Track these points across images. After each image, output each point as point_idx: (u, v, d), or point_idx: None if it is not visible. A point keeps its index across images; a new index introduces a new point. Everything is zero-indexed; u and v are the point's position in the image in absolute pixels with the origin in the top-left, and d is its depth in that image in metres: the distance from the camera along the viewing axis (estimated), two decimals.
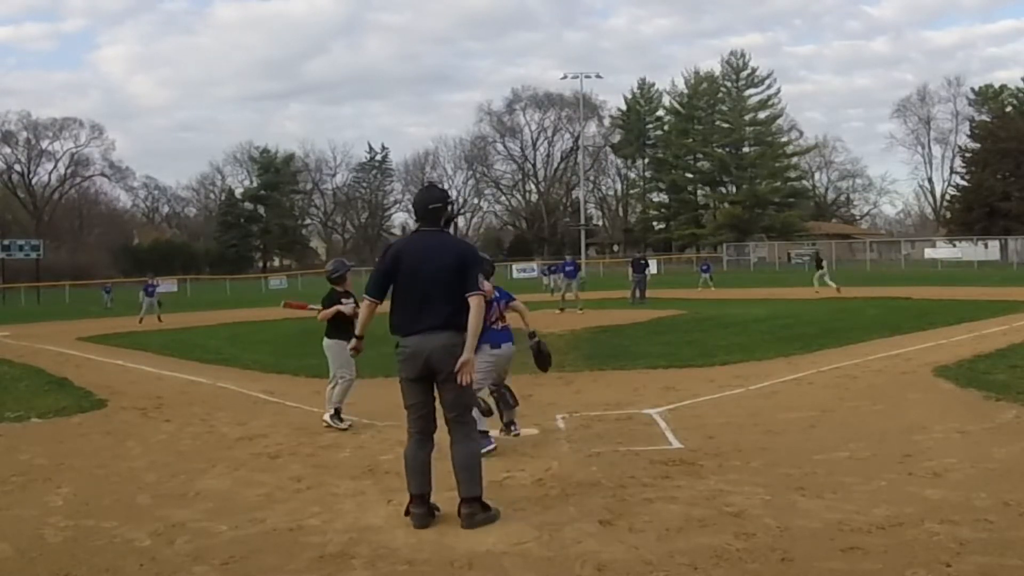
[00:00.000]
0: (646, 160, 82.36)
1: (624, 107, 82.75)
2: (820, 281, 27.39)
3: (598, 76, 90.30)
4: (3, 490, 5.56)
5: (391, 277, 4.58)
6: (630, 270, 27.14)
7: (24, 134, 78.63)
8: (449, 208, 4.73)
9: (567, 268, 25.05)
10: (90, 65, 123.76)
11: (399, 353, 4.58)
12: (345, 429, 7.17)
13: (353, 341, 4.95)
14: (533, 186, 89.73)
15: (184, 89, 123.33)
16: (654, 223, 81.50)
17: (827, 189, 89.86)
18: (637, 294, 25.11)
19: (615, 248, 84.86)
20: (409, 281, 4.53)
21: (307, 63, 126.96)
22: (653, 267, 56.42)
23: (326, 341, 7.46)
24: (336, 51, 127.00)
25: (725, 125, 75.75)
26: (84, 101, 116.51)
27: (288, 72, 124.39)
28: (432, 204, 4.67)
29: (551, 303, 22.89)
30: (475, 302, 4.49)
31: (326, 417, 7.30)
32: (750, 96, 74.62)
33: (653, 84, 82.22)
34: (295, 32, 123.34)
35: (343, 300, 7.44)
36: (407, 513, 4.57)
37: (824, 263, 29.81)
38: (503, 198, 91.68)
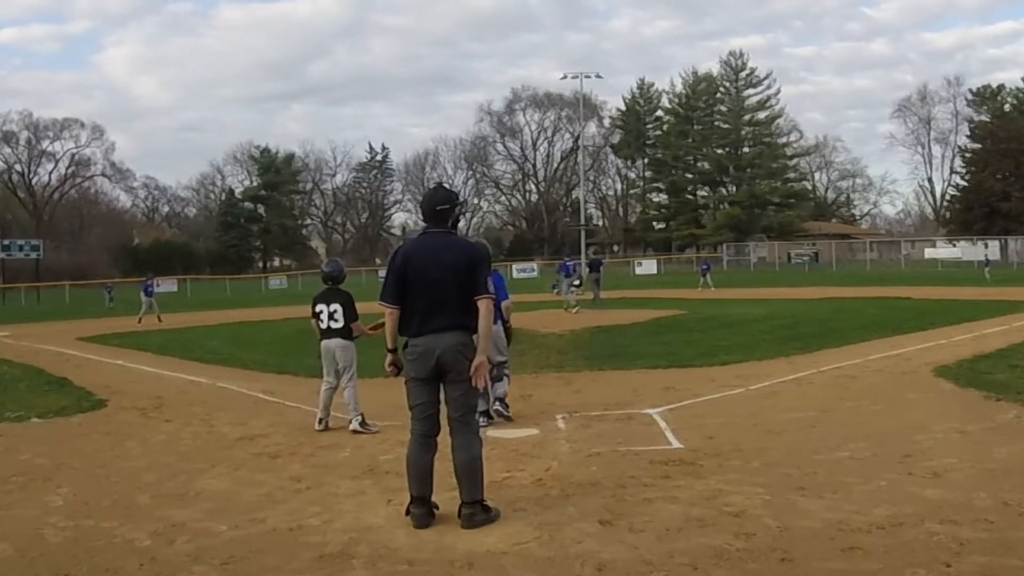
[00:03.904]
0: (646, 160, 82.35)
1: (623, 107, 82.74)
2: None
3: (598, 76, 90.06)
4: (3, 490, 5.56)
5: (404, 281, 4.56)
6: (586, 269, 27.36)
7: (25, 134, 78.78)
8: (456, 209, 4.70)
9: (569, 265, 25.21)
10: (94, 66, 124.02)
11: (408, 353, 4.57)
12: (377, 431, 7.08)
13: (389, 357, 4.69)
14: (533, 186, 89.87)
15: (188, 90, 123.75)
16: (654, 223, 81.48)
17: (827, 189, 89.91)
18: (592, 295, 25.12)
19: (615, 248, 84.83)
20: (418, 282, 4.51)
21: (310, 64, 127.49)
22: (653, 267, 57.03)
23: (346, 342, 7.36)
24: (339, 53, 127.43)
25: (724, 126, 75.78)
26: (88, 102, 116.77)
27: (291, 73, 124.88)
28: (439, 205, 4.65)
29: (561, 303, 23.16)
30: (484, 305, 4.49)
31: (356, 425, 7.14)
32: (749, 96, 74.65)
33: (652, 84, 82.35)
34: (299, 34, 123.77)
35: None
36: (407, 513, 4.57)
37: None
38: (503, 198, 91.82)
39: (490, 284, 4.58)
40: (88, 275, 55.27)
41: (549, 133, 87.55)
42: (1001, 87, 75.39)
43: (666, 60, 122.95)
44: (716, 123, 76.56)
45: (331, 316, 7.32)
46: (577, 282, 24.58)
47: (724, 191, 77.76)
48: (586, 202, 79.70)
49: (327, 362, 7.42)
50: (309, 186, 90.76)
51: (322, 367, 7.50)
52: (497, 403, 7.57)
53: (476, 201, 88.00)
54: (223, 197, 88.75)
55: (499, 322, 7.31)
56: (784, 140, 76.01)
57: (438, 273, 4.49)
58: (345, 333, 7.34)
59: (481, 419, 6.31)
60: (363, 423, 7.18)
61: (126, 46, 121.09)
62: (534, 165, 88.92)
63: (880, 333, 13.29)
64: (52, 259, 57.29)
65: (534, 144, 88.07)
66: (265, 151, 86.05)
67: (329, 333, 7.35)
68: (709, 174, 76.97)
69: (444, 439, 4.61)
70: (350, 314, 7.33)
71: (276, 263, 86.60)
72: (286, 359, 12.64)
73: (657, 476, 5.32)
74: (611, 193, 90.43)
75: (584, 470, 5.56)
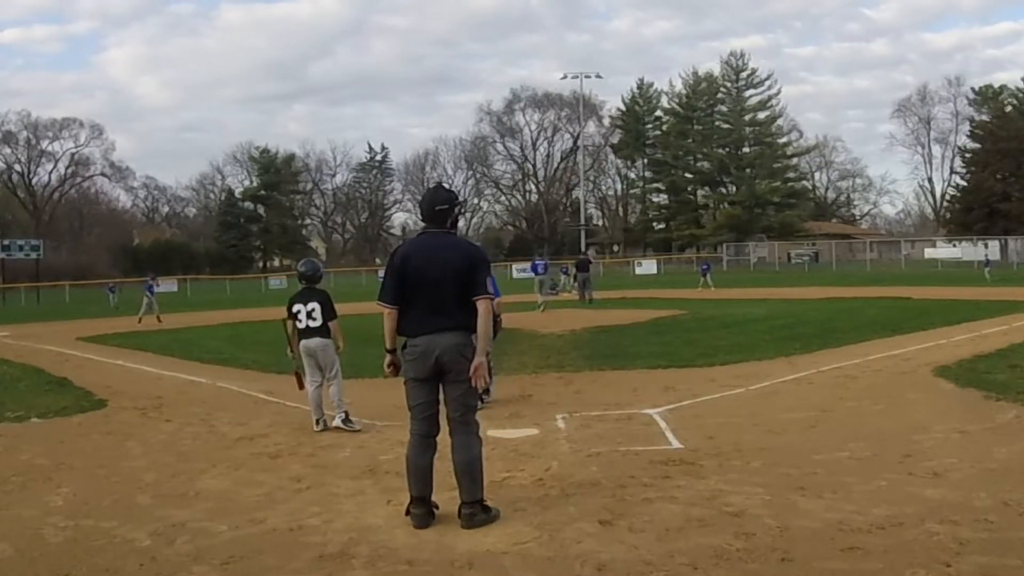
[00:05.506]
0: (646, 160, 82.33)
1: (623, 107, 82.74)
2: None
3: (598, 76, 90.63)
4: (3, 490, 5.56)
5: (404, 281, 4.55)
6: (574, 269, 27.81)
7: (24, 134, 78.67)
8: (456, 209, 4.68)
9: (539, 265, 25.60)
10: (96, 67, 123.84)
11: (408, 353, 4.56)
12: (359, 430, 7.14)
13: (388, 357, 4.69)
14: (533, 186, 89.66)
15: (189, 91, 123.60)
16: (654, 223, 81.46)
17: (827, 189, 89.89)
18: (585, 295, 25.35)
19: (615, 248, 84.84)
20: (417, 282, 4.50)
21: (311, 65, 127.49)
22: (653, 267, 57.11)
23: (325, 341, 7.39)
24: (340, 53, 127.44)
25: (725, 126, 75.69)
26: (89, 102, 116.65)
27: (292, 74, 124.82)
28: (439, 205, 4.63)
29: (572, 302, 23.43)
30: (483, 306, 4.49)
31: (339, 422, 7.20)
32: (750, 97, 74.59)
33: (652, 84, 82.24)
34: (300, 34, 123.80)
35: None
36: (407, 513, 4.57)
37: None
38: (503, 198, 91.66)
39: (489, 285, 4.59)
40: (88, 275, 55.24)
41: (549, 133, 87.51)
42: (1003, 87, 75.36)
43: (666, 60, 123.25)
44: (716, 123, 76.48)
45: (309, 315, 7.32)
46: (552, 284, 24.93)
47: (724, 191, 77.65)
48: (586, 202, 79.81)
49: (308, 361, 7.41)
50: (309, 186, 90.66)
51: (304, 367, 7.49)
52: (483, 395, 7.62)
53: (476, 201, 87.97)
54: (223, 197, 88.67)
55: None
56: (784, 140, 75.98)
57: (437, 273, 4.48)
58: (324, 332, 7.34)
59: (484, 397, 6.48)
60: (346, 420, 7.20)
61: (128, 46, 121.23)
62: (534, 165, 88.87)
63: (880, 333, 13.29)
64: (52, 259, 57.26)
65: (534, 144, 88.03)
66: (265, 151, 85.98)
67: (308, 332, 7.35)
68: (709, 174, 76.87)
69: (444, 439, 4.61)
70: (328, 313, 7.33)
71: (276, 263, 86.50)
72: (286, 359, 12.62)
73: (657, 476, 5.32)
74: (611, 193, 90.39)
75: (584, 470, 5.56)
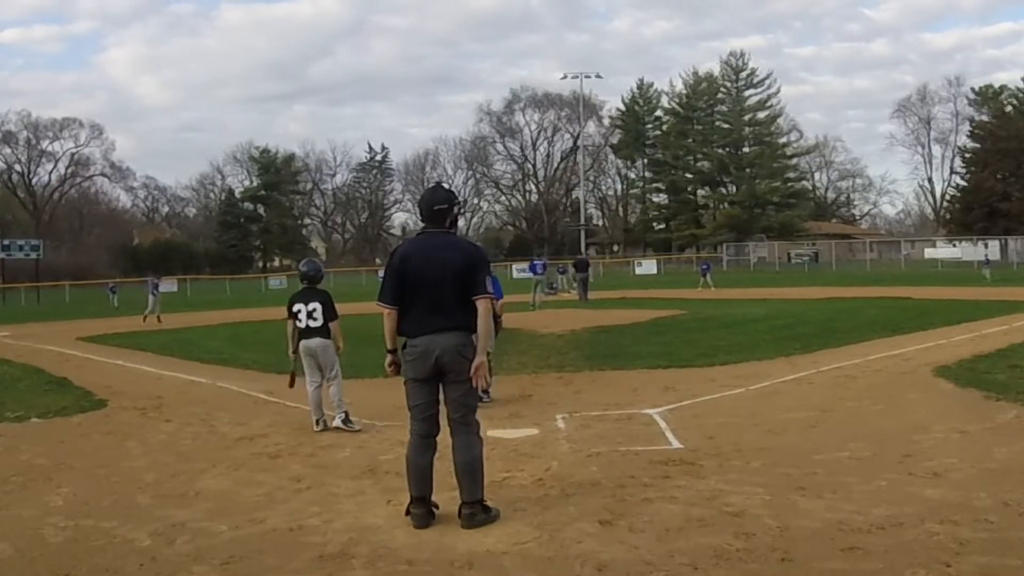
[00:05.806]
0: (646, 160, 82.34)
1: (623, 107, 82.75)
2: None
3: (598, 76, 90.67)
4: (3, 490, 5.56)
5: (403, 281, 4.54)
6: (572, 270, 28.00)
7: (24, 134, 78.69)
8: (455, 209, 4.68)
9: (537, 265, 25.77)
10: (96, 67, 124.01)
11: (407, 353, 4.55)
12: (359, 430, 7.14)
13: (389, 357, 4.69)
14: (533, 186, 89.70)
15: (188, 90, 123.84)
16: (654, 223, 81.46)
17: (827, 189, 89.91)
18: (583, 295, 25.55)
19: (615, 248, 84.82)
20: (417, 282, 4.50)
21: (311, 65, 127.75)
22: (653, 267, 57.18)
23: (326, 341, 7.40)
24: (340, 53, 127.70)
25: (725, 126, 75.65)
26: (89, 102, 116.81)
27: (292, 74, 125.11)
28: (437, 205, 4.62)
29: (572, 302, 23.46)
30: (482, 305, 4.48)
31: (339, 422, 7.20)
32: (750, 96, 74.58)
33: (652, 84, 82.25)
34: (300, 34, 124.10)
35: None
36: (407, 513, 4.57)
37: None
38: (503, 198, 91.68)
39: (489, 284, 4.59)
40: (88, 275, 55.27)
41: (549, 133, 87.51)
42: (1003, 87, 75.33)
43: (666, 60, 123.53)
44: (716, 123, 76.48)
45: (310, 315, 7.29)
46: (550, 284, 25.14)
47: (724, 191, 77.63)
48: (586, 202, 79.79)
49: (308, 362, 7.39)
50: (309, 186, 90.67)
51: (303, 367, 7.47)
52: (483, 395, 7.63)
53: (476, 201, 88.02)
54: (223, 197, 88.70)
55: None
56: (784, 140, 75.97)
57: (437, 273, 4.47)
58: (324, 332, 7.33)
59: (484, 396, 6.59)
60: (346, 420, 7.20)
61: (128, 46, 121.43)
62: (534, 165, 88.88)
63: (880, 333, 13.29)
64: (52, 259, 57.26)
65: (534, 144, 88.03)
66: (265, 151, 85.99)
67: (308, 332, 7.33)
68: (709, 174, 76.85)
69: (444, 439, 4.61)
70: (330, 313, 7.32)
71: (276, 263, 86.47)
72: (286, 359, 12.61)
73: (657, 476, 5.32)
74: (611, 193, 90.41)
75: (584, 470, 5.56)
